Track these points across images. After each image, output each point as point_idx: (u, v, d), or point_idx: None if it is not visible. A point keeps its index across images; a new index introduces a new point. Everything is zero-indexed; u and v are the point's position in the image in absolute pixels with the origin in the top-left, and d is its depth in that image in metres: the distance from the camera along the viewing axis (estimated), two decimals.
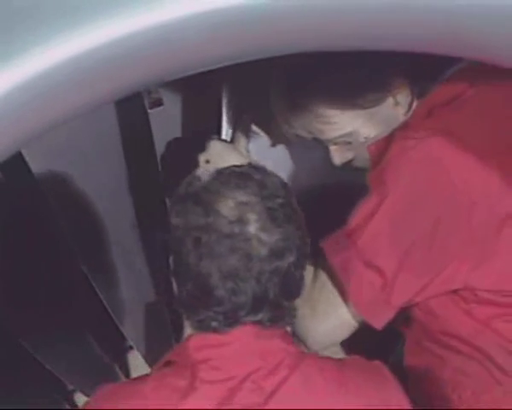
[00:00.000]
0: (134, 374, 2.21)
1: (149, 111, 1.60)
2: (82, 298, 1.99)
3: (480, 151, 1.34)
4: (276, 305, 1.27)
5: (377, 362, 1.36)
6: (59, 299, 1.92)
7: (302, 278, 1.30)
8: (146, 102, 1.59)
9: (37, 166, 1.73)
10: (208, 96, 1.79)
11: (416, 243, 1.37)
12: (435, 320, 1.46)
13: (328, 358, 1.35)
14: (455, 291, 1.42)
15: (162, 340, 2.07)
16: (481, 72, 1.36)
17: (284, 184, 1.31)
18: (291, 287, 1.28)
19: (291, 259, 1.26)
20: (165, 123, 1.80)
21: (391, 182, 1.37)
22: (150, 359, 2.07)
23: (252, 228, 1.24)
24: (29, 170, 1.72)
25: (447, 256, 1.38)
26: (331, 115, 1.46)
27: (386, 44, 1.05)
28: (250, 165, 1.33)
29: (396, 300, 1.41)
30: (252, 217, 1.24)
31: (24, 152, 1.66)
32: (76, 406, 2.16)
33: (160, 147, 1.83)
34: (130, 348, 2.19)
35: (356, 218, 1.41)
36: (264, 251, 1.24)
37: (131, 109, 1.71)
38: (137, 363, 2.16)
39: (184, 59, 1.01)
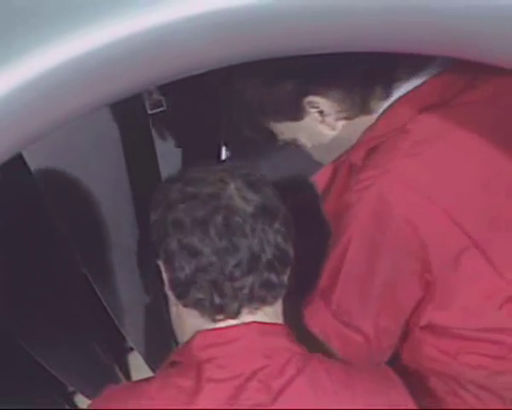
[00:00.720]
0: (134, 375, 2.22)
1: (150, 112, 1.60)
2: (82, 299, 1.99)
3: (437, 188, 1.33)
4: (270, 267, 1.26)
5: (384, 366, 1.37)
6: (59, 300, 1.92)
7: (291, 251, 1.29)
8: (146, 104, 1.59)
9: (36, 167, 1.73)
10: (208, 97, 1.79)
11: (383, 292, 1.38)
12: (408, 350, 1.47)
13: (335, 360, 1.35)
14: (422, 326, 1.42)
15: (162, 341, 2.07)
16: (453, 85, 1.37)
17: (264, 177, 1.32)
18: (281, 255, 1.28)
19: (276, 224, 1.27)
20: (166, 124, 1.80)
21: (348, 233, 1.37)
22: (150, 360, 2.07)
23: (232, 188, 1.26)
24: (29, 171, 1.72)
25: (412, 298, 1.38)
26: (269, 124, 1.46)
27: (398, 45, 1.05)
28: (236, 164, 1.36)
29: (386, 345, 1.43)
30: (232, 180, 1.26)
31: (24, 153, 1.66)
32: (76, 407, 2.16)
33: (160, 148, 1.84)
34: (131, 349, 2.20)
35: (325, 277, 1.42)
36: (249, 208, 1.25)
37: (132, 110, 1.71)
38: (138, 364, 2.16)
39: (188, 59, 1.01)
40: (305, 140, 1.47)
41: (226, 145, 1.86)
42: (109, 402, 1.29)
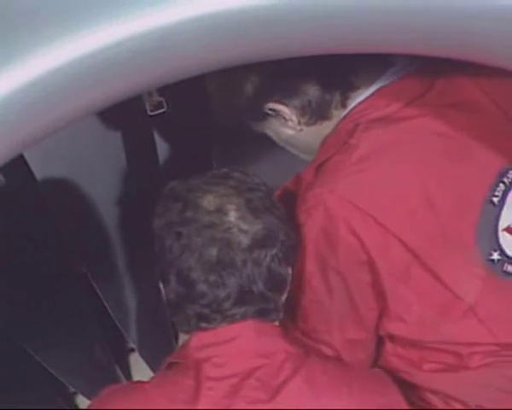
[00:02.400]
0: (135, 376, 2.22)
1: (150, 114, 1.60)
2: (83, 300, 1.99)
3: (379, 205, 1.33)
4: (262, 298, 1.27)
5: (376, 369, 1.38)
6: (60, 302, 1.92)
7: (288, 275, 1.31)
8: (147, 105, 1.59)
9: (38, 169, 1.73)
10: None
11: (342, 306, 1.38)
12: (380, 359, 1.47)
13: (330, 360, 1.35)
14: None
15: (163, 342, 2.07)
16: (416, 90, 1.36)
17: (264, 182, 1.33)
18: (276, 281, 1.28)
19: (274, 250, 1.27)
20: (167, 125, 1.80)
21: (302, 252, 1.37)
22: (152, 361, 2.08)
23: (231, 217, 1.25)
24: (31, 173, 1.72)
25: (371, 309, 1.38)
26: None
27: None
28: (231, 168, 1.35)
29: (361, 356, 1.42)
30: (231, 207, 1.26)
31: (26, 155, 1.66)
32: (77, 408, 2.16)
33: (161, 149, 1.84)
34: (132, 350, 2.19)
35: (292, 295, 1.40)
36: (245, 240, 1.25)
37: (132, 112, 1.71)
38: (139, 365, 2.16)
39: (191, 60, 1.02)
40: (272, 136, 1.49)
41: (222, 143, 1.86)
42: (108, 401, 1.30)
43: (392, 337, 1.41)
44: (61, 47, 0.95)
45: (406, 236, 1.32)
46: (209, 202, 1.26)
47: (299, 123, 1.41)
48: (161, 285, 1.33)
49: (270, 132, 1.49)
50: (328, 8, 0.96)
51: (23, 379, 1.93)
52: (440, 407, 1.41)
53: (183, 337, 1.48)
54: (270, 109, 1.41)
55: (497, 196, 1.35)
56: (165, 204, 1.30)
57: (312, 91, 1.38)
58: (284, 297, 1.32)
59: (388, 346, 1.42)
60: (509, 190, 1.36)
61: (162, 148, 1.89)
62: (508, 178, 1.36)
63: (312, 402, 1.25)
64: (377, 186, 1.33)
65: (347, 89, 1.39)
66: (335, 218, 1.33)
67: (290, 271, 1.32)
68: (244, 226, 1.25)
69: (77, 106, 1.02)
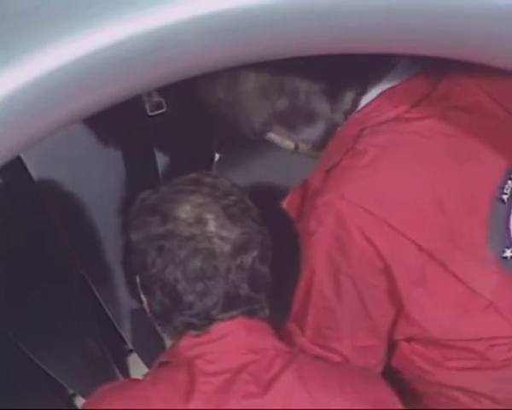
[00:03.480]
0: (134, 377, 2.21)
1: (150, 114, 1.59)
2: (81, 302, 1.99)
3: (390, 208, 1.33)
4: (248, 300, 1.28)
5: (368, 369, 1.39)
6: (58, 303, 1.91)
7: (267, 272, 1.31)
8: (146, 106, 1.58)
9: (36, 171, 1.73)
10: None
11: (354, 313, 1.37)
12: (397, 362, 1.47)
13: (321, 360, 1.36)
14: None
15: (162, 343, 2.07)
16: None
17: (235, 185, 1.34)
18: (259, 281, 1.30)
19: (255, 253, 1.28)
20: (166, 126, 1.80)
21: (313, 259, 1.37)
22: (150, 362, 2.07)
23: (211, 227, 1.26)
24: (29, 175, 1.71)
25: (386, 314, 1.37)
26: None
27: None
28: (199, 172, 1.35)
29: (372, 363, 1.41)
30: (209, 216, 1.27)
31: (23, 157, 1.66)
32: (76, 409, 2.15)
33: (159, 151, 1.84)
34: (130, 351, 2.19)
35: (296, 304, 1.42)
36: (227, 247, 1.26)
37: (131, 113, 1.71)
38: (137, 366, 2.16)
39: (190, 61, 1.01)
40: (275, 137, 1.49)
41: (219, 146, 1.86)
42: (103, 399, 1.30)
43: (410, 338, 1.40)
44: (61, 47, 0.95)
45: (419, 237, 1.32)
46: (187, 212, 1.27)
47: (297, 147, 1.44)
48: (144, 298, 1.34)
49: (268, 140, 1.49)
50: (332, 7, 0.95)
51: (22, 381, 1.93)
52: (470, 405, 1.41)
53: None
54: (270, 136, 1.44)
55: (506, 194, 1.35)
56: (142, 217, 1.31)
57: (316, 134, 1.41)
58: (266, 295, 1.33)
59: (405, 347, 1.42)
60: None
61: (161, 149, 1.89)
62: None
63: (304, 397, 1.26)
64: (386, 190, 1.33)
65: (354, 104, 1.39)
66: (347, 224, 1.32)
67: (268, 268, 1.32)
68: (224, 234, 1.26)
69: (76, 107, 1.02)
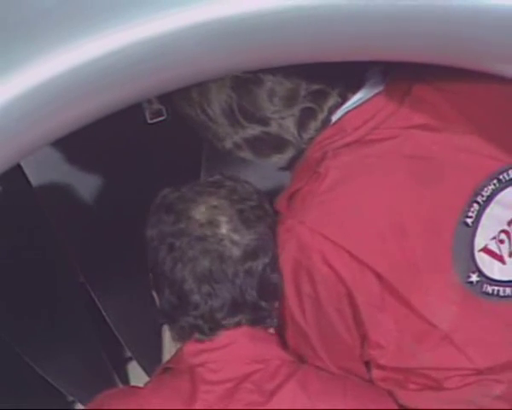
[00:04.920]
0: (133, 384, 2.21)
1: (150, 121, 1.59)
2: (81, 309, 1.99)
3: (347, 234, 1.31)
4: (255, 307, 1.28)
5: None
6: (58, 311, 1.92)
7: (279, 280, 1.31)
8: (147, 113, 1.58)
9: (35, 177, 1.73)
10: None
11: (328, 339, 1.36)
12: None
13: (324, 370, 1.35)
14: None
15: (161, 350, 2.06)
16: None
17: (257, 191, 1.34)
18: (268, 289, 1.29)
19: (266, 260, 1.28)
20: (165, 133, 1.79)
21: (284, 281, 1.35)
22: (149, 369, 2.07)
23: (223, 229, 1.26)
24: (28, 181, 1.71)
25: (356, 338, 1.36)
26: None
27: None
28: (223, 175, 1.35)
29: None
30: (223, 219, 1.27)
31: (22, 163, 1.66)
32: None
33: (159, 157, 1.84)
34: (130, 358, 2.19)
35: (281, 324, 1.40)
36: (237, 252, 1.26)
37: (131, 120, 1.71)
38: (137, 373, 2.16)
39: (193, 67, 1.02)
40: (249, 157, 1.46)
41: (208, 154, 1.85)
42: (104, 405, 1.31)
43: (373, 364, 1.38)
44: (60, 55, 0.95)
45: (378, 265, 1.30)
46: (201, 213, 1.27)
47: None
48: (155, 295, 1.34)
49: (245, 155, 1.46)
50: (333, 14, 0.96)
51: (21, 388, 1.93)
52: None
53: (169, 342, 1.47)
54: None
55: (470, 217, 1.32)
56: (158, 214, 1.31)
57: (284, 161, 1.40)
58: (277, 303, 1.32)
59: (374, 371, 1.40)
60: (484, 209, 1.33)
61: (160, 154, 1.89)
62: (482, 196, 1.33)
63: (307, 406, 1.25)
64: (347, 216, 1.31)
65: (324, 126, 1.37)
66: (309, 250, 1.31)
67: (280, 275, 1.32)
68: (236, 238, 1.26)
69: (76, 114, 1.02)
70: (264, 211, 1.31)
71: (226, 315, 1.27)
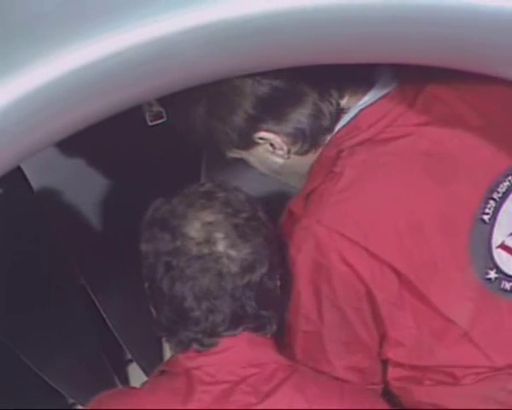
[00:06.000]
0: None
1: (150, 124, 1.59)
2: (81, 311, 1.99)
3: (366, 232, 1.31)
4: (255, 317, 1.28)
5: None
6: (58, 313, 1.91)
7: (276, 287, 1.31)
8: (147, 116, 1.58)
9: (36, 181, 1.73)
10: None
11: (342, 336, 1.36)
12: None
13: (321, 373, 1.35)
14: None
15: (161, 353, 2.06)
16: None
17: (249, 198, 1.32)
18: (266, 297, 1.29)
19: (263, 270, 1.27)
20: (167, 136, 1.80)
21: (297, 287, 1.35)
22: (150, 371, 2.07)
23: (220, 247, 1.26)
24: (28, 185, 1.71)
25: (373, 336, 1.36)
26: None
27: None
28: (214, 183, 1.34)
29: (372, 381, 1.39)
30: (219, 236, 1.26)
31: (23, 166, 1.66)
32: None
33: (160, 159, 1.84)
34: (130, 360, 2.19)
35: (286, 327, 1.39)
36: (234, 267, 1.25)
37: (131, 122, 1.71)
38: (137, 376, 2.16)
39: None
40: (255, 164, 1.45)
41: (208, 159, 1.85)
42: (102, 406, 1.31)
43: (391, 362, 1.38)
44: (60, 58, 0.95)
45: (397, 262, 1.30)
46: (197, 231, 1.26)
47: (289, 151, 1.38)
48: (152, 310, 1.33)
49: (252, 160, 1.44)
50: (336, 16, 0.96)
51: (21, 390, 1.93)
52: None
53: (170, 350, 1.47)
54: (260, 138, 1.37)
55: (487, 214, 1.33)
56: (151, 230, 1.31)
57: (305, 119, 1.35)
58: (275, 310, 1.32)
59: (390, 370, 1.40)
60: (500, 206, 1.34)
61: (160, 156, 1.89)
62: (498, 192, 1.34)
63: (303, 407, 1.26)
64: (364, 214, 1.31)
65: (338, 112, 1.36)
66: (327, 249, 1.31)
67: (278, 282, 1.32)
68: (233, 254, 1.26)
69: (76, 117, 1.02)
70: (258, 221, 1.30)
71: (227, 328, 1.27)
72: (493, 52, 1.01)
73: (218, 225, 1.27)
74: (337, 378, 1.36)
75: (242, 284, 1.26)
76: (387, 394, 1.41)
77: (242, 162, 1.47)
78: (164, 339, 1.36)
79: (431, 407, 1.38)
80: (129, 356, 2.16)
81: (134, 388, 1.38)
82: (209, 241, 1.26)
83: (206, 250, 1.25)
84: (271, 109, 1.34)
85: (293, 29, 0.97)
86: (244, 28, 0.96)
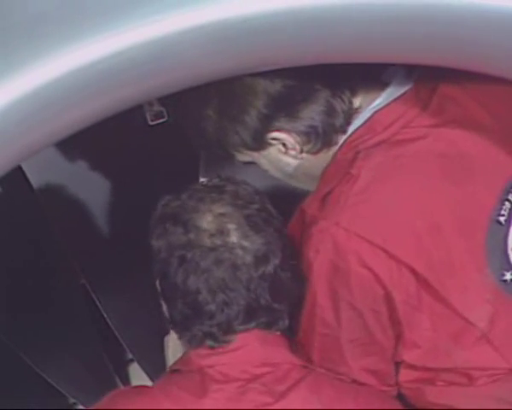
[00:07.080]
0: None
1: (151, 123, 1.60)
2: (82, 311, 1.99)
3: (384, 234, 1.30)
4: (269, 310, 1.28)
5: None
6: (59, 312, 1.92)
7: (289, 279, 1.31)
8: (147, 115, 1.58)
9: (36, 180, 1.73)
10: None
11: (359, 339, 1.36)
12: None
13: (336, 375, 1.35)
14: None
15: (162, 352, 2.06)
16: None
17: (257, 191, 1.33)
18: (280, 290, 1.29)
19: (276, 261, 1.27)
20: (167, 135, 1.80)
21: (313, 289, 1.35)
22: (151, 371, 2.07)
23: (234, 237, 1.26)
24: (29, 184, 1.72)
25: (390, 338, 1.35)
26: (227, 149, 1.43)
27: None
28: (221, 178, 1.34)
29: (388, 384, 1.39)
30: (232, 226, 1.26)
31: (23, 166, 1.66)
32: None
33: (160, 159, 1.84)
34: (131, 360, 2.19)
35: (302, 333, 1.39)
36: (249, 258, 1.25)
37: (132, 122, 1.71)
38: (138, 375, 2.16)
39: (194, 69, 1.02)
40: (266, 166, 1.44)
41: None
42: (113, 405, 1.30)
43: (404, 364, 1.38)
44: (61, 57, 0.95)
45: (415, 263, 1.30)
46: (209, 222, 1.26)
47: (302, 151, 1.37)
48: (164, 306, 1.33)
49: (263, 162, 1.43)
50: (336, 15, 0.96)
51: (22, 389, 1.93)
52: None
53: (172, 356, 1.46)
54: (272, 138, 1.37)
55: (503, 216, 1.33)
56: (163, 225, 1.30)
57: (318, 116, 1.34)
58: (287, 304, 1.32)
59: (403, 372, 1.39)
60: None
61: (161, 156, 1.89)
62: None
63: (319, 406, 1.26)
64: (382, 216, 1.31)
65: (351, 111, 1.36)
66: (345, 252, 1.30)
67: (290, 275, 1.31)
68: (246, 244, 1.26)
69: (76, 116, 1.02)
70: (268, 213, 1.31)
71: (242, 322, 1.27)
72: (498, 52, 1.01)
73: (230, 217, 1.27)
74: (353, 380, 1.35)
75: (257, 276, 1.25)
76: (398, 394, 1.41)
77: (240, 164, 1.46)
78: (176, 335, 1.35)
79: (442, 408, 1.38)
80: (130, 356, 2.16)
81: (147, 386, 1.36)
82: (222, 232, 1.26)
83: (219, 242, 1.25)
84: (284, 107, 1.34)
85: (292, 29, 0.97)
86: (244, 28, 0.96)
